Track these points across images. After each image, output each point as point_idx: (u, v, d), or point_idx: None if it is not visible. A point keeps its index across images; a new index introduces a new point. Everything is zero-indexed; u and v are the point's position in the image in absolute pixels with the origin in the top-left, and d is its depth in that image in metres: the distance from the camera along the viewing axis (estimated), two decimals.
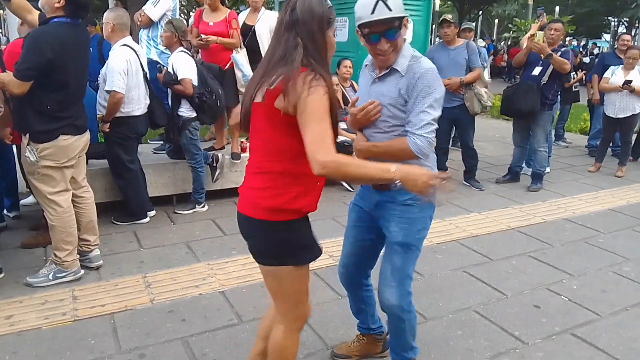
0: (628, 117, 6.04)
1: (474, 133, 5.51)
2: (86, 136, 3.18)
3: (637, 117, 6.12)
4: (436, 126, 1.96)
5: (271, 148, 1.70)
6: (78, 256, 3.23)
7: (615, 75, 6.08)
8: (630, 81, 5.82)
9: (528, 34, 5.53)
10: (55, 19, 2.88)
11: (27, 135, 2.94)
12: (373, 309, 2.46)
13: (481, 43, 16.21)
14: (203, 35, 4.59)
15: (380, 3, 1.85)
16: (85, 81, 3.22)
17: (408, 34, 6.21)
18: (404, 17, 1.92)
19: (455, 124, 5.45)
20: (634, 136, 6.90)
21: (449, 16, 5.32)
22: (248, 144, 5.11)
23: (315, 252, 1.83)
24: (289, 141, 1.65)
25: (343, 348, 2.52)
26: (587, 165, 6.53)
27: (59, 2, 2.84)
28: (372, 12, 1.86)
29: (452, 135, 6.13)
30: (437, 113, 1.95)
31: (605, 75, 6.25)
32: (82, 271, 3.23)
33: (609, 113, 6.18)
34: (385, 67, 2.01)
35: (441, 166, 5.54)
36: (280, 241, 1.75)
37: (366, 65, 2.15)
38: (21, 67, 2.76)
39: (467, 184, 5.53)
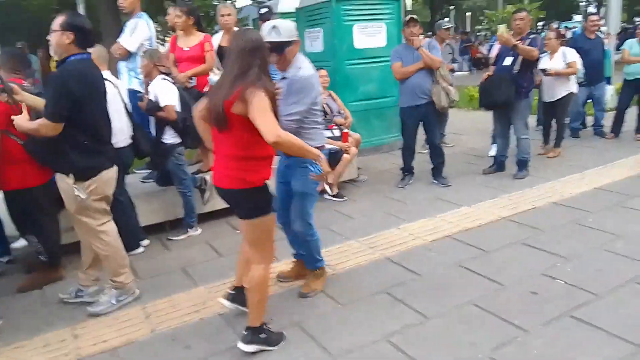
0: (558, 100, 6.22)
1: (439, 131, 5.77)
2: (116, 167, 3.25)
3: (568, 99, 6.26)
4: (297, 117, 2.76)
5: (237, 140, 2.43)
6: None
7: (542, 61, 6.09)
8: (545, 69, 6.02)
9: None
10: (72, 57, 2.93)
11: (71, 176, 2.97)
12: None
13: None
14: (180, 75, 4.70)
15: (274, 31, 2.76)
16: (108, 112, 3.26)
17: (382, 36, 6.81)
18: (287, 41, 2.76)
19: (423, 122, 5.37)
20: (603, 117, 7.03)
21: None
22: None
23: (272, 207, 2.63)
24: (247, 134, 2.39)
25: (285, 272, 3.45)
26: (570, 147, 6.63)
27: (68, 38, 2.89)
28: (268, 35, 2.72)
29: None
30: (299, 108, 2.76)
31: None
32: (138, 291, 3.36)
33: (543, 98, 6.43)
34: (283, 73, 2.90)
35: (408, 166, 5.61)
36: (257, 200, 2.55)
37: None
38: (53, 110, 2.82)
39: (436, 182, 5.50)
